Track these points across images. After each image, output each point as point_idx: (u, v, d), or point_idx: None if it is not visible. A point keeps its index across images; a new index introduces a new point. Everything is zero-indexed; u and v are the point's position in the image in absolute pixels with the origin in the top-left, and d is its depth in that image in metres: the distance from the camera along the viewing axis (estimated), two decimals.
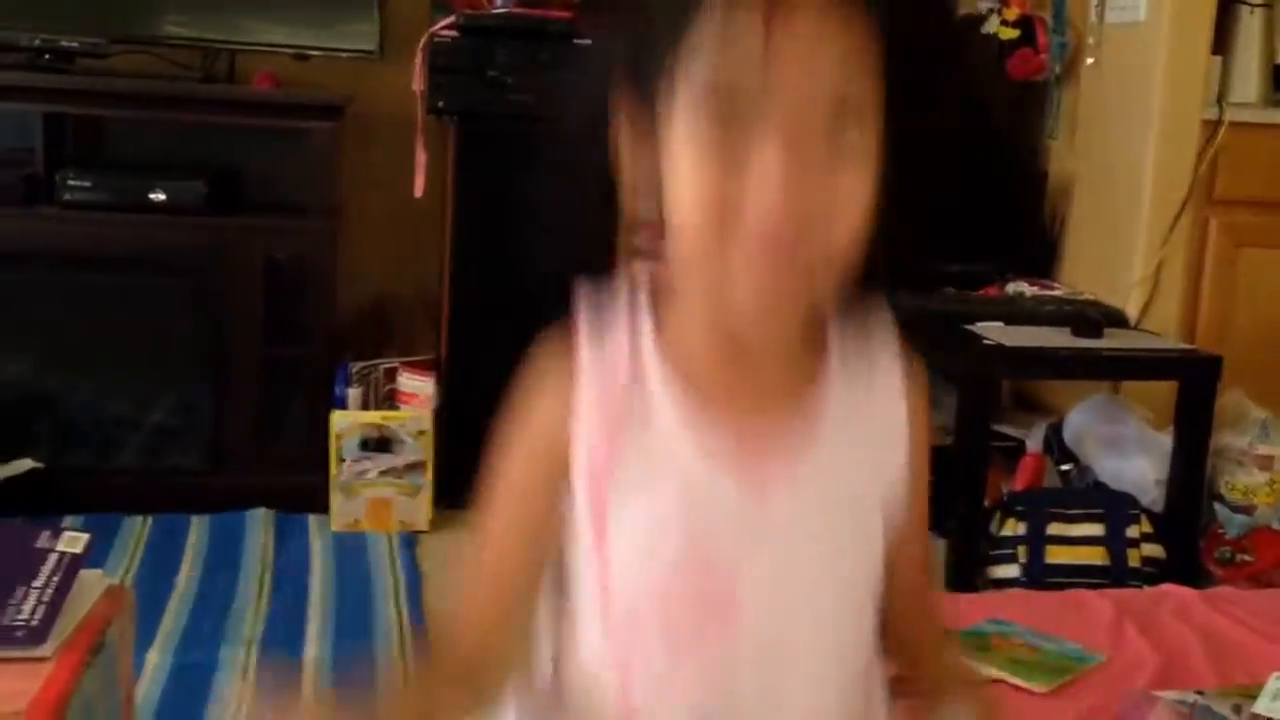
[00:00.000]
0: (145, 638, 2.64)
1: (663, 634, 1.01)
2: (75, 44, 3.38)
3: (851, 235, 0.92)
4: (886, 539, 1.06)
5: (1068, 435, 3.47)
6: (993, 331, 3.25)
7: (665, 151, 0.92)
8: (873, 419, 1.05)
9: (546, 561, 1.05)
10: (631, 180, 0.97)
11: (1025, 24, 3.87)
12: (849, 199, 0.91)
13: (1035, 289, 3.72)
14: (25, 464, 3.18)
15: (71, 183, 3.29)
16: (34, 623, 1.50)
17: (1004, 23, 3.86)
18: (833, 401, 1.03)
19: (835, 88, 0.88)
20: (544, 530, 1.04)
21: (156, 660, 2.58)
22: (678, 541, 1.00)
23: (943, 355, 3.48)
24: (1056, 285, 3.81)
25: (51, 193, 3.30)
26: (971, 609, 2.29)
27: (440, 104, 3.38)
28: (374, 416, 3.34)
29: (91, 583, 1.66)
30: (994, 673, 1.95)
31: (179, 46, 3.49)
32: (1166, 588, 2.56)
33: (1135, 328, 3.51)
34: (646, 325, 1.01)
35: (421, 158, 3.44)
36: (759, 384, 1.02)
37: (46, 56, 3.36)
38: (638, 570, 1.01)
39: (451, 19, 3.40)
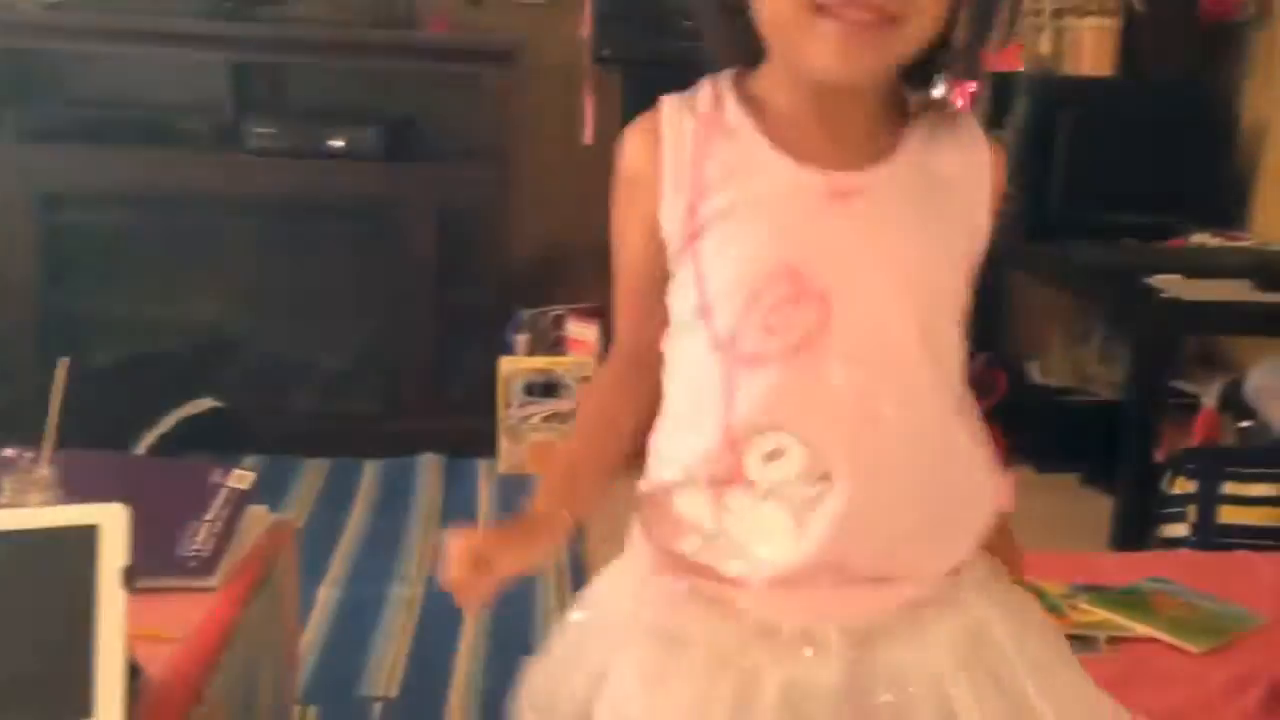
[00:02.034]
0: (317, 574, 2.74)
1: (759, 356, 1.09)
2: None
3: (936, 10, 1.03)
4: (968, 274, 1.14)
5: (1248, 392, 3.35)
6: (1171, 285, 3.15)
7: None
8: (957, 176, 1.13)
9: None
10: None
11: None
12: None
13: (1220, 240, 3.59)
14: (207, 403, 3.30)
15: (257, 130, 3.39)
16: (204, 554, 1.58)
17: None
18: (916, 154, 1.11)
19: None
20: (655, 260, 1.14)
21: (327, 595, 2.68)
22: (763, 255, 1.09)
23: (1118, 309, 3.40)
24: (1245, 236, 3.67)
25: (238, 139, 3.40)
26: (1132, 567, 2.25)
27: (605, 52, 3.39)
28: (540, 362, 3.39)
29: (258, 518, 1.73)
30: (1149, 631, 1.91)
31: None
32: None
33: None
34: (727, 82, 1.13)
35: (590, 105, 3.46)
36: (841, 139, 1.10)
37: (230, 4, 3.44)
38: (730, 287, 1.09)
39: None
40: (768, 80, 1.11)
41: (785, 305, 1.08)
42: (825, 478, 1.08)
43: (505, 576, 1.11)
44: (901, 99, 1.13)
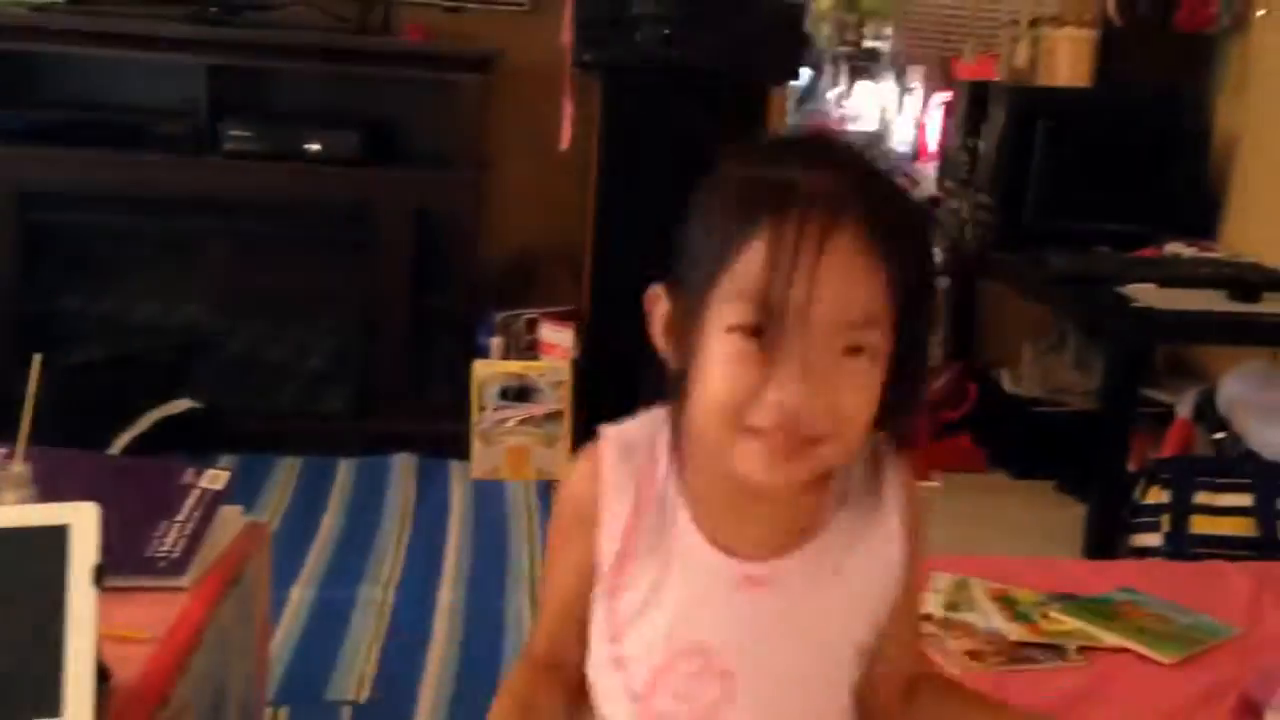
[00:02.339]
0: (290, 574, 2.74)
1: (670, 694, 1.15)
2: None
3: (859, 432, 1.06)
4: (867, 653, 1.19)
5: (1221, 402, 3.37)
6: (1144, 294, 3.17)
7: (702, 339, 1.05)
8: (870, 554, 1.17)
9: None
10: (667, 350, 1.11)
11: None
12: (860, 403, 1.04)
13: (1194, 250, 3.61)
14: (184, 403, 3.30)
15: (233, 133, 3.39)
16: (174, 555, 1.57)
17: None
18: (832, 538, 1.16)
19: (856, 314, 1.01)
20: (589, 585, 1.18)
21: (300, 596, 2.67)
22: (676, 624, 1.14)
23: (1092, 317, 3.42)
24: (1217, 247, 3.70)
25: (215, 142, 3.40)
26: (1105, 576, 2.25)
27: (586, 57, 3.40)
28: (514, 366, 3.39)
29: (231, 519, 1.72)
30: (1120, 641, 1.92)
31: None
32: None
33: None
34: (664, 446, 1.15)
35: (568, 110, 3.47)
36: (762, 527, 1.14)
37: (212, 10, 3.45)
38: (642, 649, 1.15)
39: None
40: (698, 466, 1.14)
41: (693, 678, 1.14)
42: None
43: None
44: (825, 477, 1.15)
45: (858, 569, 1.17)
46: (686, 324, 1.06)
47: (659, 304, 1.11)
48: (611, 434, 1.17)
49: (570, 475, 1.20)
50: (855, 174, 1.05)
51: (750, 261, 1.01)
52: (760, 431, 1.03)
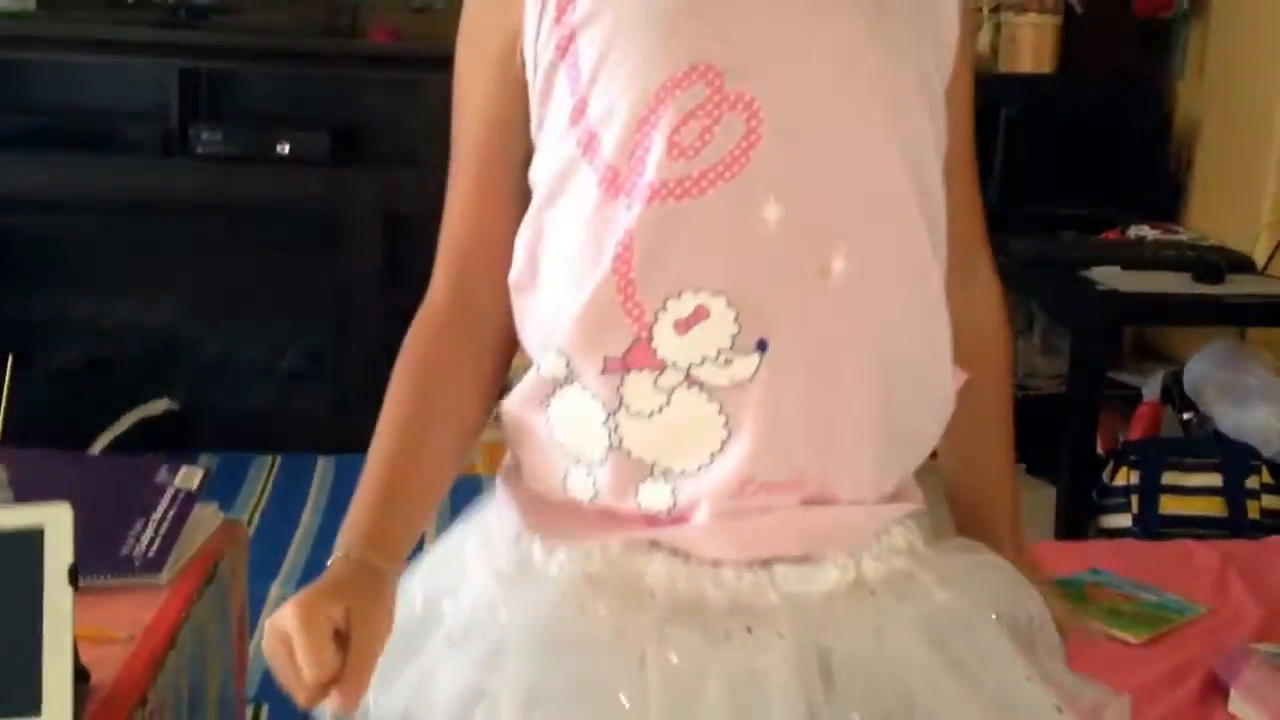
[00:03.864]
0: (269, 571, 2.76)
1: (663, 183, 0.83)
2: (208, 1, 3.48)
3: None
4: (941, 102, 0.92)
5: (1188, 384, 3.41)
6: (1110, 277, 3.20)
7: None
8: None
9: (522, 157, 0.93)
10: None
11: None
12: None
13: (1158, 233, 3.64)
14: (162, 404, 3.31)
15: (204, 136, 3.40)
16: (150, 554, 1.58)
17: None
18: None
19: None
20: (513, 124, 0.93)
21: (279, 593, 2.69)
22: (666, 29, 0.84)
23: (1058, 300, 3.45)
24: (1181, 230, 3.73)
25: (185, 145, 3.41)
26: (1072, 558, 2.28)
27: None
28: None
29: (207, 517, 1.74)
30: (1088, 622, 1.95)
31: (305, 1, 3.57)
32: (1277, 539, 2.52)
33: (1262, 273, 3.43)
34: None
35: None
36: None
37: (181, 13, 3.46)
38: (621, 83, 0.84)
39: None
40: None
41: (698, 116, 0.83)
42: (760, 348, 0.84)
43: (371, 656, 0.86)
44: None
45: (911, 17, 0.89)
46: None
47: None
48: None
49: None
50: None
51: None
52: None
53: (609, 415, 0.88)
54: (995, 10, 3.96)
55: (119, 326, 3.47)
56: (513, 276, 0.94)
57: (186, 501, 1.66)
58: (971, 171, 1.02)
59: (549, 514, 0.96)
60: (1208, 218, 3.74)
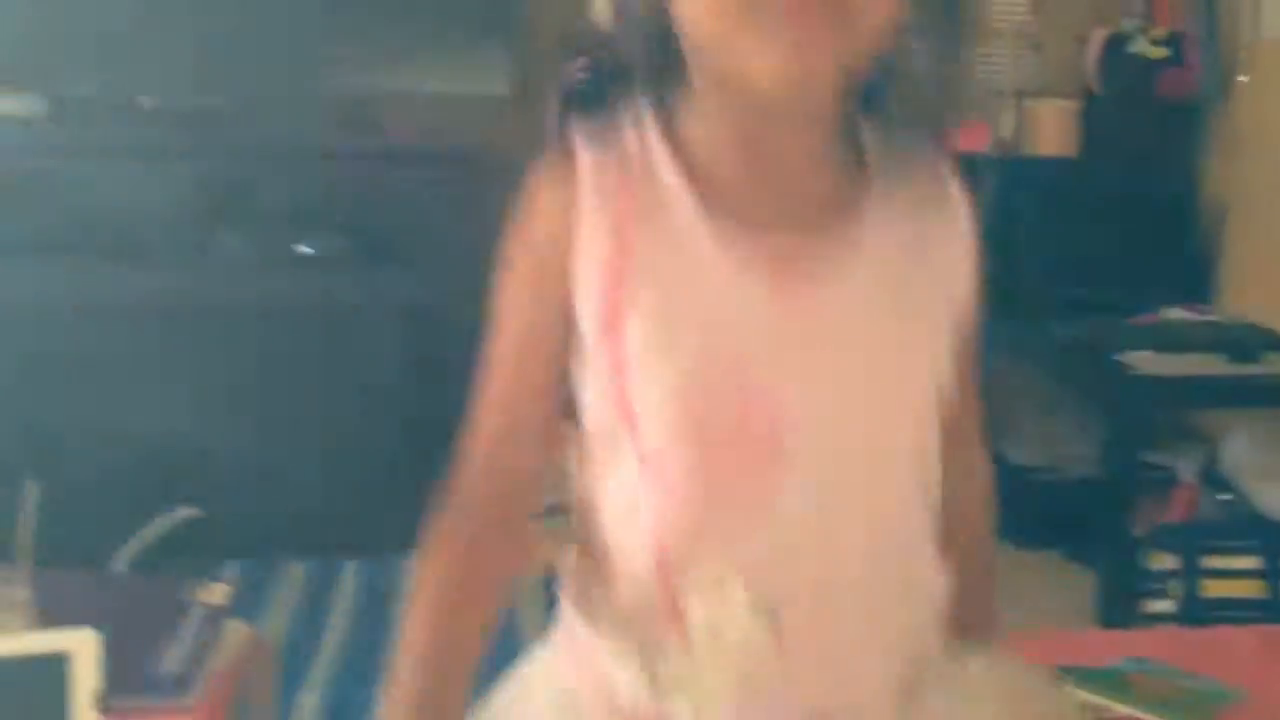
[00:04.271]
0: (298, 678, 2.73)
1: (695, 473, 0.92)
2: (225, 104, 3.50)
3: (884, 16, 0.88)
4: (953, 357, 0.98)
5: (1225, 464, 3.37)
6: (1142, 361, 3.18)
7: None
8: (930, 246, 0.97)
9: (563, 391, 0.99)
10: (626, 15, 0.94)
11: (1174, 42, 3.79)
12: None
13: (1190, 314, 3.63)
14: (186, 512, 3.29)
15: (223, 239, 3.41)
16: (178, 673, 1.56)
17: (1152, 42, 3.78)
18: (877, 223, 0.95)
19: None
20: (555, 350, 0.98)
21: (311, 702, 2.65)
22: (701, 350, 0.91)
23: (1091, 385, 3.43)
24: (1213, 310, 3.71)
25: (205, 249, 3.42)
26: (1115, 646, 2.24)
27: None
28: None
29: (234, 633, 1.72)
30: (1131, 712, 1.91)
31: (323, 102, 3.60)
32: None
33: None
34: (652, 125, 0.95)
35: None
36: (788, 194, 0.94)
37: (198, 117, 3.49)
38: (659, 390, 0.92)
39: (583, 60, 3.44)
40: (696, 115, 0.95)
41: (727, 416, 0.92)
42: (774, 612, 0.93)
43: None
44: (856, 143, 0.97)
45: (920, 232, 0.95)
46: None
47: None
48: (586, 141, 0.95)
49: (539, 198, 0.98)
50: None
51: None
52: (770, 7, 0.85)
53: (647, 662, 0.97)
54: (1018, 97, 3.98)
55: (143, 433, 3.46)
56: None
57: (213, 619, 1.65)
58: (968, 367, 1.04)
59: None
60: (1238, 297, 3.72)
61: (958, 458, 1.04)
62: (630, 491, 0.95)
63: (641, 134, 0.95)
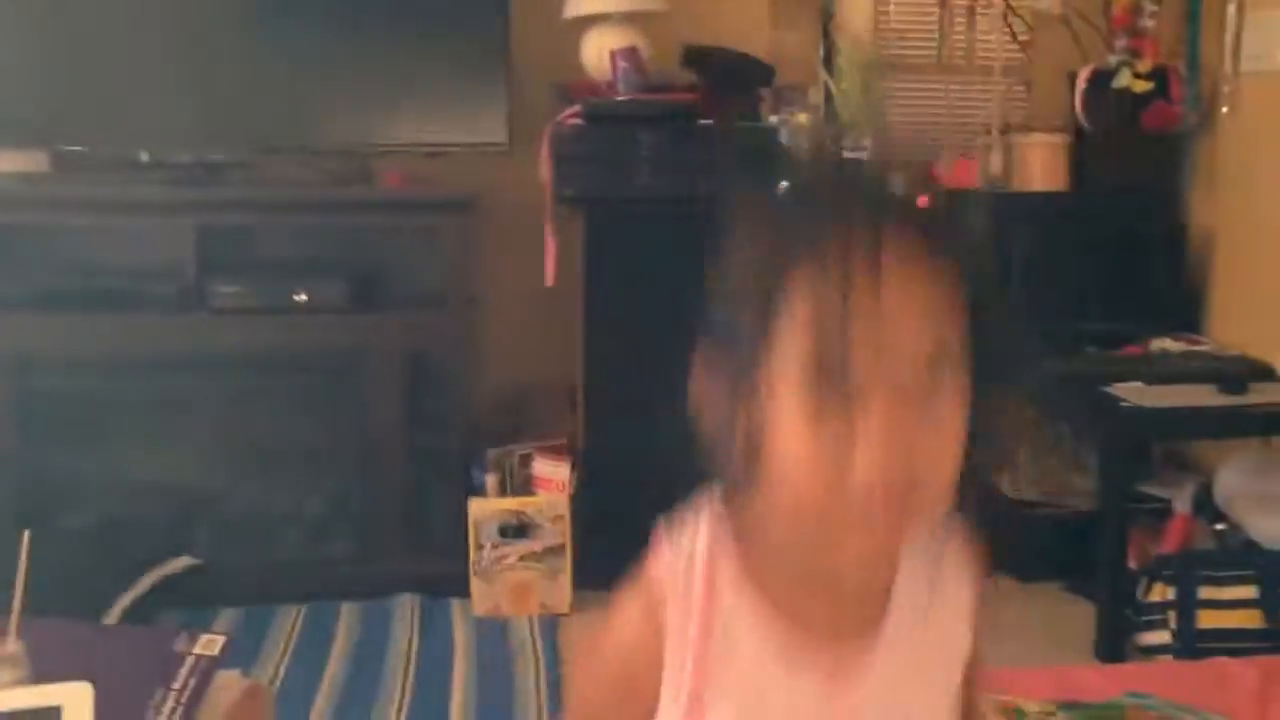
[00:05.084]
0: None
1: None
2: (222, 158, 3.54)
3: (952, 474, 0.96)
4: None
5: (1218, 495, 3.38)
6: (1133, 393, 3.19)
7: (764, 409, 0.95)
8: (938, 633, 1.08)
9: None
10: (717, 432, 1.00)
11: (1159, 75, 3.82)
12: (949, 440, 0.95)
13: (1180, 345, 3.64)
14: (183, 561, 3.30)
15: (221, 289, 3.42)
16: None
17: (1136, 75, 3.81)
18: (908, 602, 1.06)
19: (929, 344, 0.93)
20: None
21: None
22: None
23: (1084, 418, 3.43)
24: (1202, 340, 3.72)
25: (202, 300, 3.44)
26: (1110, 681, 2.25)
27: (568, 192, 3.45)
28: (511, 503, 3.39)
29: (229, 683, 1.72)
30: None
31: (318, 153, 3.63)
32: None
33: None
34: (724, 539, 1.04)
35: (551, 246, 3.51)
36: (841, 602, 1.04)
37: (196, 170, 3.51)
38: None
39: (576, 107, 3.47)
40: (762, 512, 1.02)
41: None
42: None
43: None
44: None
45: (937, 609, 1.06)
46: (742, 396, 0.96)
47: (701, 382, 1.01)
48: (667, 557, 1.05)
49: (620, 622, 1.07)
50: (896, 206, 0.98)
51: (803, 308, 0.93)
52: (856, 494, 0.92)
53: None
54: (1005, 132, 4.00)
55: (140, 483, 3.46)
56: None
57: (207, 669, 1.65)
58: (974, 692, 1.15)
59: None
60: (1227, 328, 3.74)
61: None
62: None
63: (712, 546, 1.04)
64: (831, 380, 0.91)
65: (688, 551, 1.04)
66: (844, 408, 0.91)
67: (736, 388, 0.96)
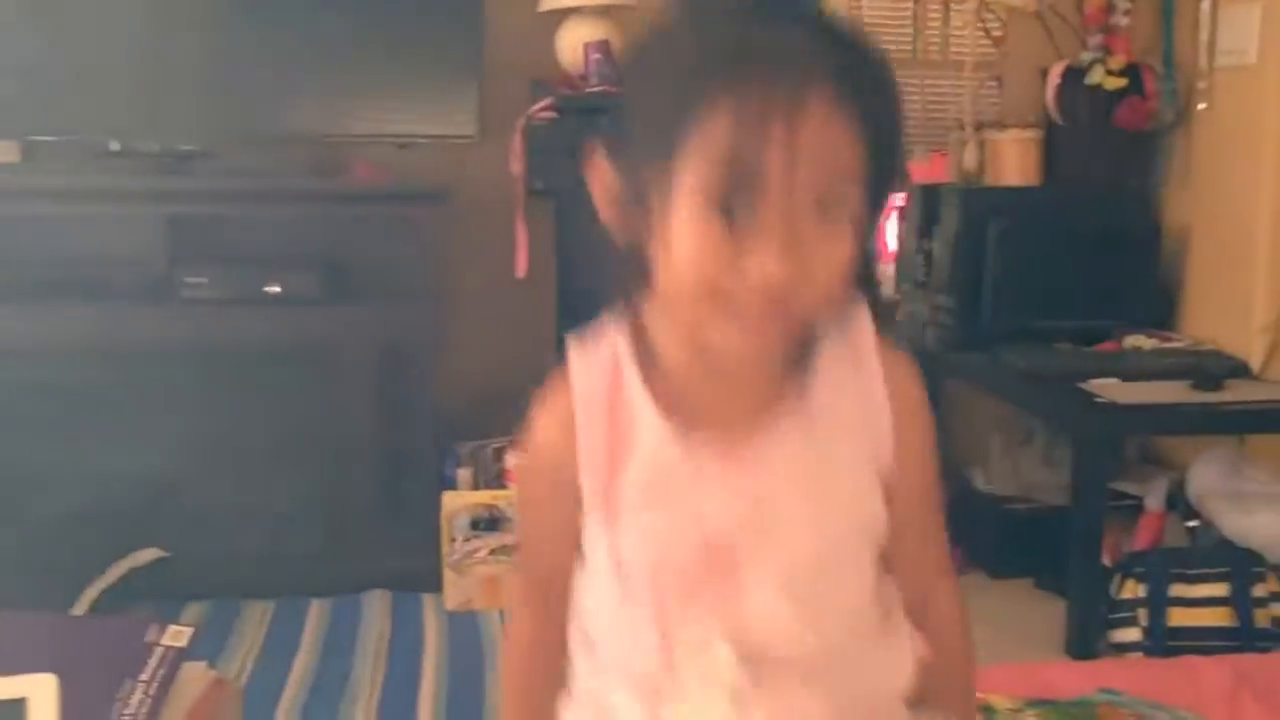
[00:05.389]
0: (266, 717, 2.70)
1: (666, 590, 1.12)
2: (192, 147, 3.51)
3: (837, 289, 1.04)
4: (883, 498, 1.15)
5: (1190, 492, 3.39)
6: (1107, 389, 3.19)
7: (664, 209, 1.02)
8: (857, 408, 1.13)
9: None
10: (618, 228, 1.08)
11: (1132, 72, 3.82)
12: (836, 260, 1.02)
13: (1154, 342, 3.65)
14: (151, 553, 3.27)
15: (191, 280, 3.40)
16: (139, 717, 1.55)
17: (1109, 72, 3.81)
18: (817, 401, 1.12)
19: (832, 174, 0.99)
20: (571, 524, 1.16)
21: None
22: (670, 518, 1.11)
23: (1057, 413, 3.44)
24: (1176, 337, 3.73)
25: (172, 290, 3.41)
26: (1083, 677, 2.25)
27: (539, 184, 3.43)
28: (483, 496, 3.38)
29: (196, 675, 1.70)
30: None
31: (289, 143, 3.60)
32: None
33: (1258, 378, 3.42)
34: (626, 344, 1.14)
35: (522, 237, 3.49)
36: (739, 398, 1.12)
37: (166, 160, 3.48)
38: (642, 553, 1.12)
39: (548, 100, 3.46)
40: (663, 328, 1.12)
41: (700, 565, 1.11)
42: (757, 673, 1.11)
43: None
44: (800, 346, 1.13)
45: (848, 411, 1.13)
46: (642, 194, 1.03)
47: (602, 175, 1.08)
48: (577, 364, 1.14)
49: (541, 427, 1.17)
50: (817, 28, 1.02)
51: (718, 124, 0.97)
52: (737, 300, 1.00)
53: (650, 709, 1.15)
54: (979, 128, 4.00)
55: (109, 474, 3.44)
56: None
57: (175, 660, 1.63)
58: (928, 503, 1.21)
59: None
60: (1201, 324, 3.75)
61: (928, 600, 1.22)
62: (627, 615, 1.14)
63: (615, 350, 1.14)
64: (739, 185, 0.98)
65: (595, 354, 1.14)
66: (739, 225, 0.98)
67: (637, 188, 1.04)
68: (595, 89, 3.49)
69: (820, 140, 0.97)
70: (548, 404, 1.15)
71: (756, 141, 0.96)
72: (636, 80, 1.06)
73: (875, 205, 1.04)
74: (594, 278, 1.15)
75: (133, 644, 1.64)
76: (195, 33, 3.51)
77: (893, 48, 4.11)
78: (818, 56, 0.99)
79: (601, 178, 1.08)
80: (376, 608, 3.30)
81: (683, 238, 1.00)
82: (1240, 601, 3.00)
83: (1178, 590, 3.04)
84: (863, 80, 1.00)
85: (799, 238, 0.98)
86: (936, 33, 4.21)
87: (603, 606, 1.16)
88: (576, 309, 3.39)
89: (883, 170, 1.03)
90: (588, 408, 1.13)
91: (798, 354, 1.12)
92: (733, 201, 0.98)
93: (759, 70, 0.97)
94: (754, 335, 1.02)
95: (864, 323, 1.14)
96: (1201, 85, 3.75)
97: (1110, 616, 3.08)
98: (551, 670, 1.22)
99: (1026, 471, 3.84)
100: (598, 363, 1.14)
